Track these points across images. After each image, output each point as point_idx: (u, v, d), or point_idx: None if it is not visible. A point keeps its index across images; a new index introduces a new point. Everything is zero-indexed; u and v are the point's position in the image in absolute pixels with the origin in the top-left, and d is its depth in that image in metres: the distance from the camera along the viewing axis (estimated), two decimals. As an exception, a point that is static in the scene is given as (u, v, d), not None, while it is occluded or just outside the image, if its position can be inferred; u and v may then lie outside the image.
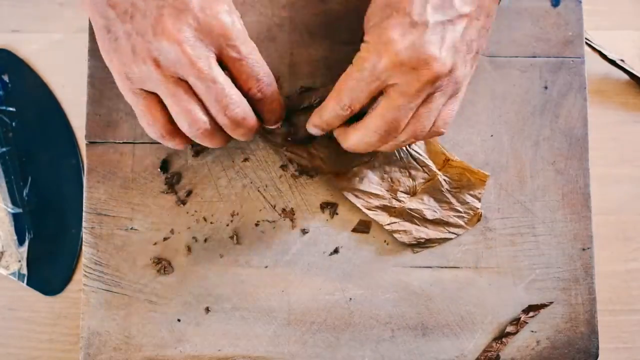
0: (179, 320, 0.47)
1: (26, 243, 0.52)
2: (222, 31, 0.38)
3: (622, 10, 0.56)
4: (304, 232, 0.48)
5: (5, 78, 0.54)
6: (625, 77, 0.55)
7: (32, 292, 0.51)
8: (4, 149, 0.53)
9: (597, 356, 0.48)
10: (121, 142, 0.48)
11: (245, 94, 0.40)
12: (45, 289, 0.52)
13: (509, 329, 0.47)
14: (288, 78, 0.49)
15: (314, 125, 0.44)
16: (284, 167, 0.48)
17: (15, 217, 0.52)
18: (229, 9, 0.38)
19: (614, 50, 0.55)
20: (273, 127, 0.45)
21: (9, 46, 0.55)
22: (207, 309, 0.47)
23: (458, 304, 0.48)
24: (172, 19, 0.37)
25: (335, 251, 0.48)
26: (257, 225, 0.48)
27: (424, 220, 0.47)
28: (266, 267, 0.48)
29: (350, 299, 0.48)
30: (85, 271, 0.47)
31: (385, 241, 0.48)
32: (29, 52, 0.53)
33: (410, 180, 0.48)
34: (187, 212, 0.48)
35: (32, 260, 0.52)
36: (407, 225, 0.47)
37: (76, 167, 0.54)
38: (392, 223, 0.47)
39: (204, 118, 0.39)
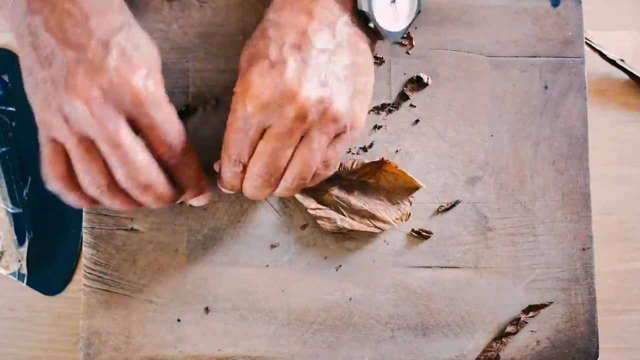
0: (179, 320, 0.47)
1: (26, 243, 0.52)
2: (134, 97, 0.37)
3: (622, 10, 0.56)
4: (304, 232, 0.48)
5: (5, 78, 0.54)
6: (625, 77, 0.55)
7: (32, 292, 0.51)
8: (4, 149, 0.53)
9: (597, 356, 0.48)
10: (121, 142, 0.48)
11: (159, 160, 0.39)
12: (45, 288, 0.52)
13: (509, 329, 0.47)
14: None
15: (223, 187, 0.43)
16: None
17: (15, 217, 0.52)
18: (146, 73, 0.38)
19: (614, 50, 0.55)
20: (229, 191, 0.44)
21: (9, 46, 0.55)
22: (207, 309, 0.47)
23: (458, 304, 0.48)
24: (85, 77, 0.36)
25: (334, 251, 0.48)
26: (257, 225, 0.48)
27: (351, 211, 0.47)
28: (266, 266, 0.48)
29: (350, 299, 0.48)
30: (85, 271, 0.47)
31: (385, 241, 0.48)
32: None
33: (348, 173, 0.47)
34: (187, 212, 0.48)
35: (32, 260, 0.52)
36: (333, 214, 0.47)
37: None
38: (318, 209, 0.47)
39: (103, 180, 0.38)
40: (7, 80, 0.54)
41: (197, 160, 0.41)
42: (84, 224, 0.48)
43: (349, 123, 0.41)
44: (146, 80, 0.37)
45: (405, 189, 0.48)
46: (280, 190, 0.42)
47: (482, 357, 0.48)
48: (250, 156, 0.40)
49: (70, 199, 0.40)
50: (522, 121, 0.49)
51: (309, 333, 0.48)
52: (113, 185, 0.39)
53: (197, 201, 0.44)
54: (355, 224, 0.47)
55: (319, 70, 0.39)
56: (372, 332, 0.48)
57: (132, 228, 0.48)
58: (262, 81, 0.38)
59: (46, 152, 0.39)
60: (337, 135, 0.41)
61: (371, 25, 0.42)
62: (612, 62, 0.55)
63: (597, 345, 0.48)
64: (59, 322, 0.51)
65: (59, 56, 0.36)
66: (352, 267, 0.48)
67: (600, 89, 0.55)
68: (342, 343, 0.47)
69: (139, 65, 0.37)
